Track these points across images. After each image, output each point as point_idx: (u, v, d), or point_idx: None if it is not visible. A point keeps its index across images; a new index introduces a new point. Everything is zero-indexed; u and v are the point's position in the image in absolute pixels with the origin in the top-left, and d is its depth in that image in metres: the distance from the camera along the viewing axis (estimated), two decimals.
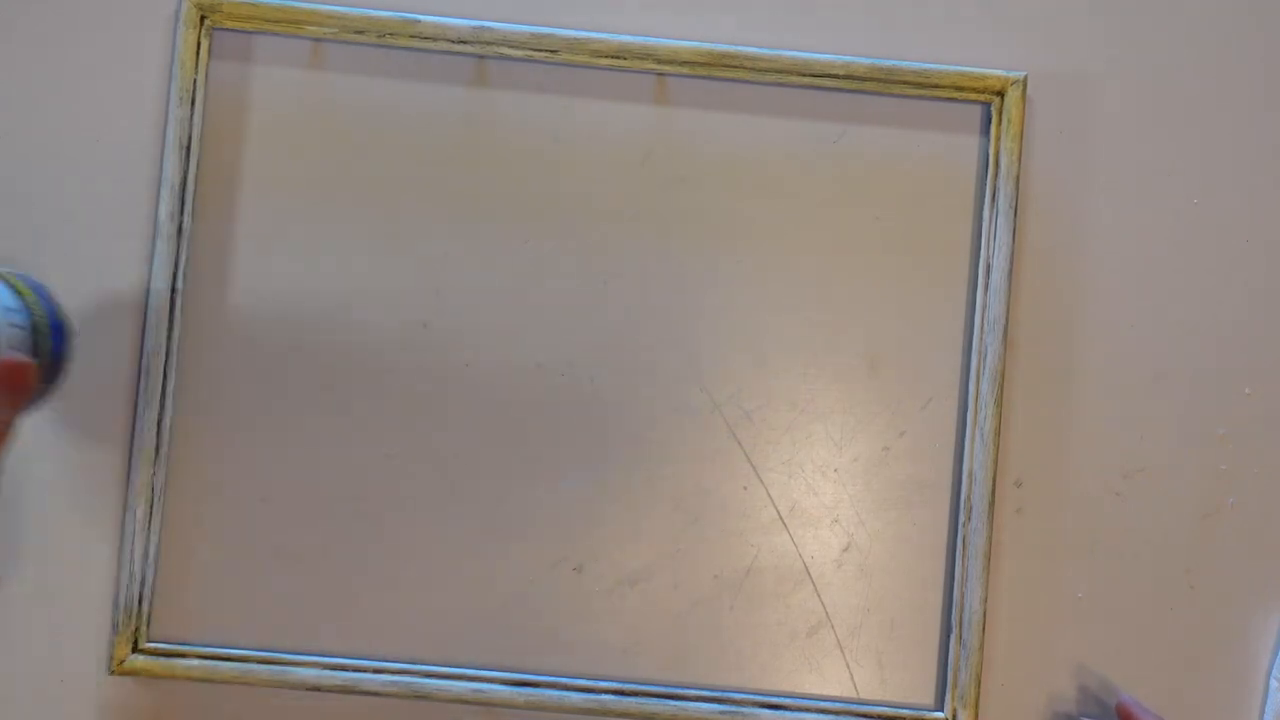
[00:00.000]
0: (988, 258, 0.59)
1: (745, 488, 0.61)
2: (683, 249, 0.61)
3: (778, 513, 0.61)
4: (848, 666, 0.60)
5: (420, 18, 0.59)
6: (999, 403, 0.58)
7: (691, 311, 0.61)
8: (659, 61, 0.59)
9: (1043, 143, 0.61)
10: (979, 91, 0.59)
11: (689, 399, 0.61)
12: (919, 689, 0.60)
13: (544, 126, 0.61)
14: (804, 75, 0.59)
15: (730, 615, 0.60)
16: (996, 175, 0.58)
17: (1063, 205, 0.61)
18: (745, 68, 0.59)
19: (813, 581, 0.61)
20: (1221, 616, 0.60)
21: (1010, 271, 0.58)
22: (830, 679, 0.60)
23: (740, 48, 0.59)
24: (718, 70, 0.59)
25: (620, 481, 0.61)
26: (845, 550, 0.61)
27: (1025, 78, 0.59)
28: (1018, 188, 0.58)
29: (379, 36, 0.60)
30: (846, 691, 0.60)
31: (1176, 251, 0.62)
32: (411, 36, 0.60)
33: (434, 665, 0.59)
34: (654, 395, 0.61)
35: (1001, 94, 0.59)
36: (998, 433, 0.58)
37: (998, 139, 0.58)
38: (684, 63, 0.59)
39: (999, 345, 0.58)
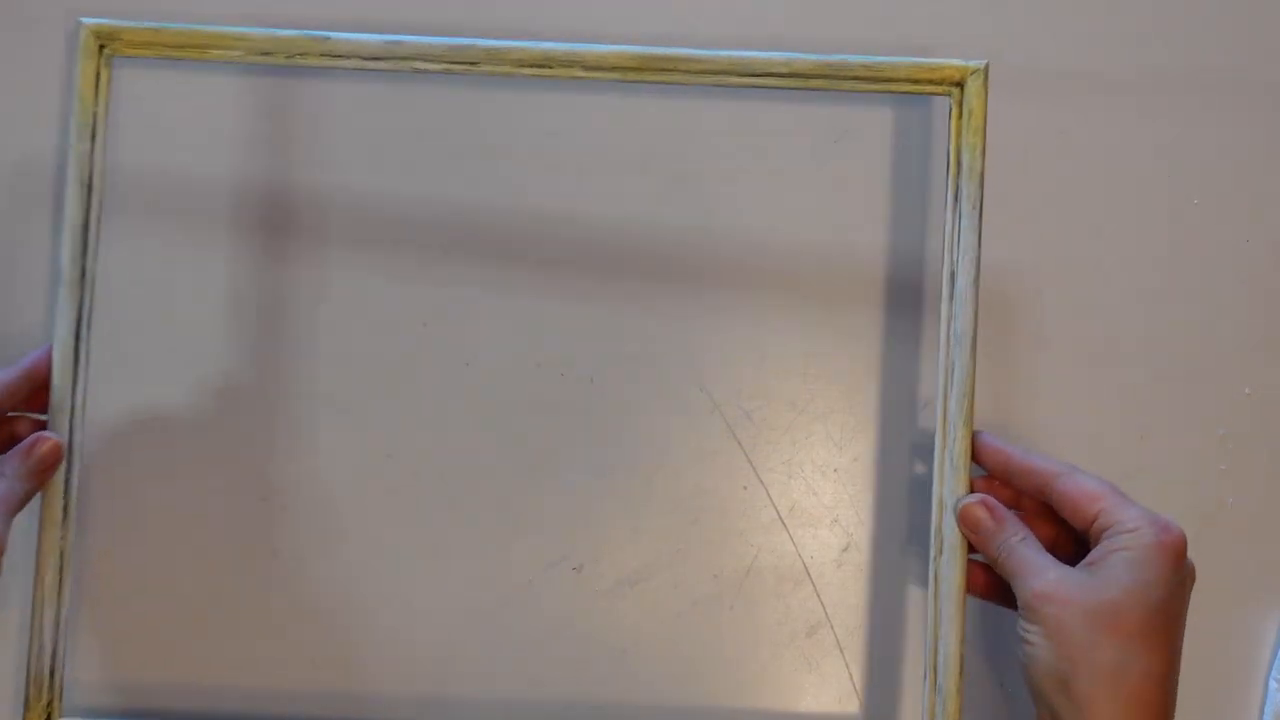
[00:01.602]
0: (951, 264, 0.53)
1: (745, 488, 0.61)
2: (683, 248, 0.61)
3: (777, 513, 0.61)
4: (847, 667, 0.60)
5: (330, 35, 0.55)
6: (969, 423, 0.53)
7: (691, 311, 0.61)
8: (586, 68, 0.55)
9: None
10: (936, 83, 0.54)
11: (689, 399, 0.61)
12: (919, 688, 0.57)
13: (540, 124, 0.62)
14: (743, 74, 0.54)
15: (730, 615, 0.60)
16: (959, 174, 0.53)
17: (1050, 201, 0.61)
18: (679, 70, 0.54)
19: (812, 582, 0.61)
20: (1221, 617, 0.60)
21: (976, 278, 0.53)
22: (829, 679, 0.60)
23: (672, 50, 0.55)
24: (649, 75, 0.55)
25: (620, 481, 0.61)
26: (845, 550, 0.61)
27: (986, 67, 0.53)
28: (982, 187, 0.53)
29: (288, 57, 0.56)
30: (846, 691, 0.60)
31: (1176, 251, 0.62)
32: (322, 55, 0.56)
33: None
34: (654, 395, 0.61)
35: (961, 85, 0.53)
36: (969, 456, 0.53)
37: (959, 134, 0.53)
38: (613, 68, 0.55)
39: (968, 360, 0.53)
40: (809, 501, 0.61)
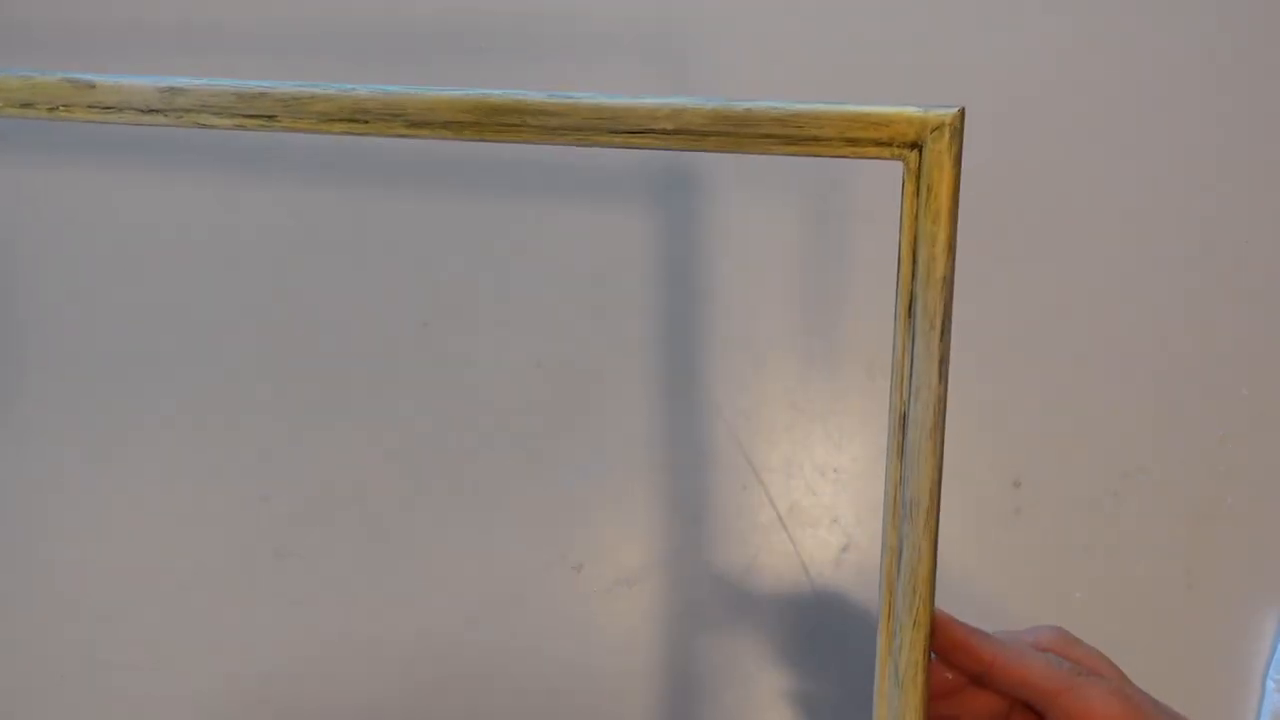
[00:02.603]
0: (902, 404, 0.37)
1: (744, 488, 0.61)
2: (682, 248, 0.61)
3: (776, 513, 0.61)
4: (846, 667, 0.60)
5: (97, 79, 0.42)
6: (924, 631, 0.37)
7: (691, 311, 0.62)
8: (410, 124, 0.40)
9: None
10: (880, 144, 0.37)
11: (689, 399, 0.61)
12: None
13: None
14: (613, 131, 0.39)
15: (728, 615, 0.60)
16: (913, 276, 0.37)
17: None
18: (529, 126, 0.39)
19: (811, 581, 0.60)
20: (1219, 617, 0.61)
21: (938, 427, 0.37)
22: (829, 679, 0.60)
23: (520, 96, 0.39)
24: (490, 131, 0.40)
25: (620, 481, 0.61)
26: (844, 550, 0.61)
27: (958, 116, 0.36)
28: (949, 297, 0.37)
29: (49, 110, 0.43)
30: (845, 691, 0.60)
31: (1176, 251, 0.62)
32: (89, 107, 0.43)
33: None
34: (654, 395, 0.61)
35: (918, 146, 0.36)
36: (925, 667, 0.38)
37: (913, 218, 0.37)
38: (443, 124, 0.40)
39: (922, 541, 0.37)
40: (808, 501, 0.61)
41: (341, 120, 0.41)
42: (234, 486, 0.61)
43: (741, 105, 0.37)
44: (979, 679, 0.42)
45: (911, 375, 0.37)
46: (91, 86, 0.42)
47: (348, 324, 0.61)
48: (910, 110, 0.36)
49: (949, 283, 0.36)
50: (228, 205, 0.62)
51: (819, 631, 0.60)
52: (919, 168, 0.36)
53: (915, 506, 0.37)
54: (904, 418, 0.37)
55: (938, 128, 0.36)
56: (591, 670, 0.60)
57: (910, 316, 0.37)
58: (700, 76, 0.63)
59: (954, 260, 0.36)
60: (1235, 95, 0.62)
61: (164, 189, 0.62)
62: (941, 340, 0.36)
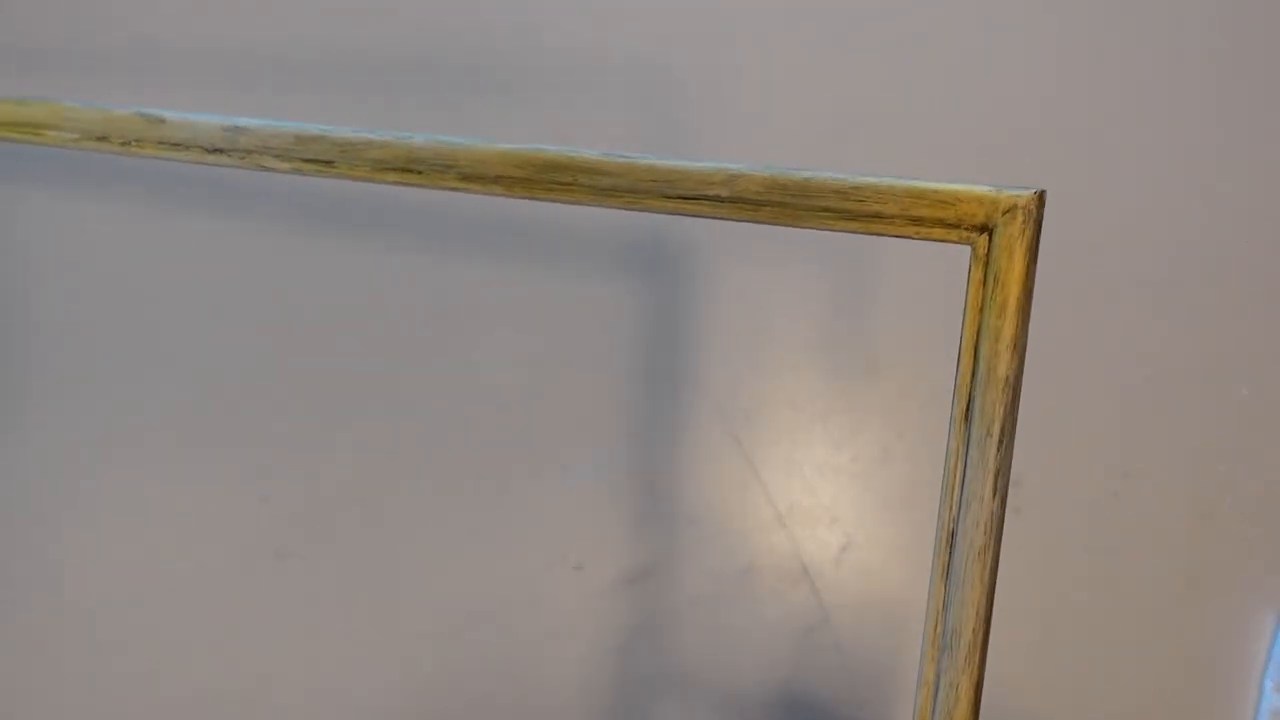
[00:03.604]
0: (951, 520, 0.33)
1: (744, 487, 0.61)
2: (682, 248, 0.61)
3: (776, 512, 0.60)
4: (846, 666, 0.60)
5: (168, 115, 0.42)
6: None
7: (691, 311, 0.61)
8: (462, 178, 0.39)
9: None
10: (948, 226, 0.33)
11: (689, 399, 0.61)
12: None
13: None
14: (666, 196, 0.36)
15: (729, 615, 0.60)
16: (973, 376, 0.33)
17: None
18: (580, 185, 0.37)
19: (811, 581, 0.60)
20: (1219, 618, 0.60)
21: (990, 548, 0.32)
22: (828, 679, 0.60)
23: (573, 152, 0.37)
24: (541, 189, 0.38)
25: (620, 480, 0.61)
26: (844, 550, 0.60)
27: (1037, 198, 0.33)
28: (1015, 403, 0.33)
29: (122, 144, 0.43)
30: (844, 691, 0.59)
31: (1174, 253, 0.61)
32: (159, 144, 0.43)
33: None
34: (654, 395, 0.61)
35: (988, 230, 0.33)
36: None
37: (978, 309, 0.33)
38: (494, 178, 0.38)
39: (962, 677, 0.32)
40: (808, 501, 0.60)
41: (395, 170, 0.39)
42: (234, 487, 0.61)
43: (800, 174, 0.34)
44: None
45: (963, 486, 0.32)
46: (162, 122, 0.42)
47: (349, 323, 0.61)
48: (981, 189, 0.32)
49: (1013, 385, 0.32)
50: (228, 202, 0.62)
51: (819, 631, 0.60)
52: (987, 254, 0.32)
53: (957, 638, 0.33)
54: (952, 535, 0.33)
55: (1010, 210, 0.32)
56: (591, 670, 0.60)
57: (967, 420, 0.32)
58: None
59: (1022, 360, 0.32)
60: (1233, 95, 0.61)
61: (164, 187, 0.62)
62: (999, 451, 0.32)
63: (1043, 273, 0.54)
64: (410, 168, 0.39)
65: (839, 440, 0.61)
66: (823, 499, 0.60)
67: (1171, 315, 0.61)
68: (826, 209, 0.34)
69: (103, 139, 0.43)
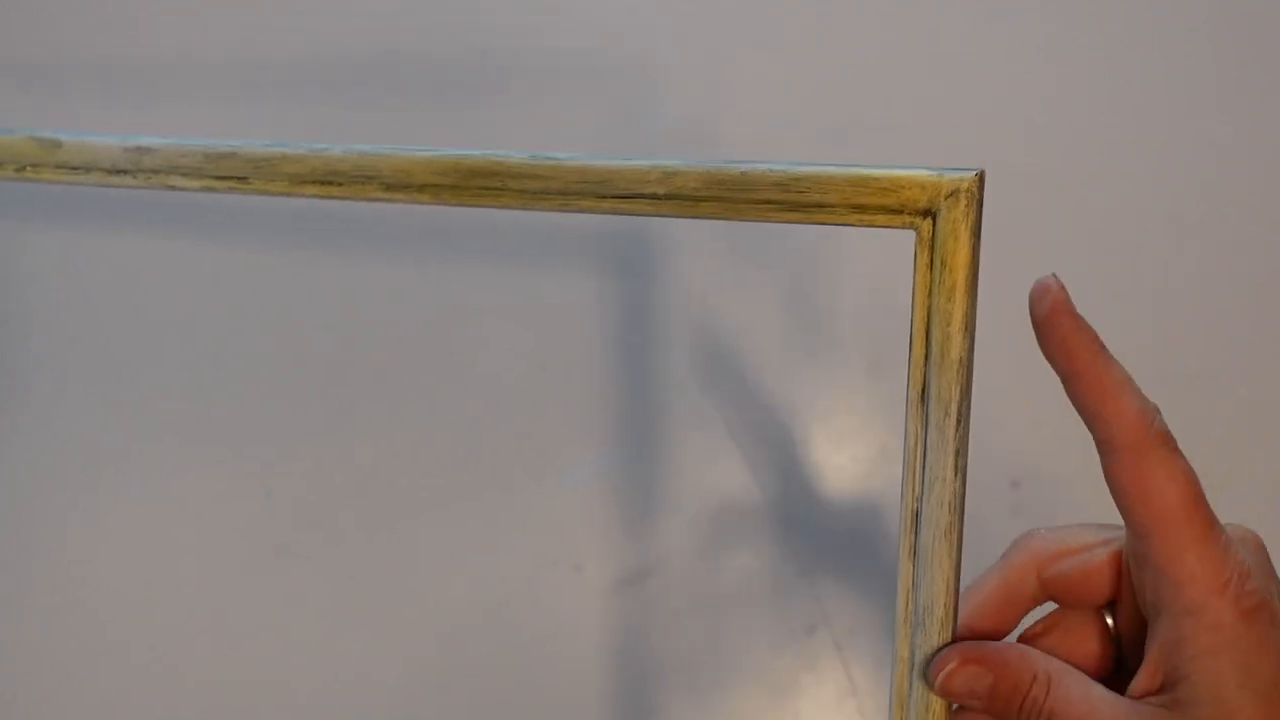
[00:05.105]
0: (914, 499, 0.34)
1: (744, 487, 0.61)
2: (682, 248, 0.61)
3: (776, 512, 0.60)
4: (845, 666, 0.59)
5: (65, 137, 0.40)
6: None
7: (692, 309, 0.61)
8: (386, 187, 0.37)
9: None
10: (890, 212, 0.33)
11: (689, 399, 0.61)
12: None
13: None
14: (601, 195, 0.35)
15: (728, 614, 0.60)
16: (926, 359, 0.33)
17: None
18: (510, 189, 0.36)
19: (811, 581, 0.60)
20: None
21: (953, 528, 0.33)
22: (827, 679, 0.59)
23: (501, 156, 0.36)
24: (469, 196, 0.37)
25: (620, 481, 0.61)
26: (844, 550, 0.60)
27: (978, 179, 0.33)
28: (968, 384, 0.33)
29: (17, 170, 0.41)
30: (844, 691, 0.59)
31: (1174, 255, 0.61)
32: (56, 168, 0.41)
33: None
34: (654, 395, 0.61)
35: (931, 214, 0.33)
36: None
37: (926, 293, 0.33)
38: (419, 187, 0.37)
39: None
40: (808, 501, 0.60)
41: (314, 183, 0.38)
42: (235, 485, 0.61)
43: (738, 167, 0.34)
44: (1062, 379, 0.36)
45: (924, 468, 0.33)
46: (59, 145, 0.40)
47: (349, 323, 0.61)
48: (923, 173, 0.32)
49: (966, 365, 0.33)
50: (229, 207, 0.62)
51: (818, 631, 0.59)
52: (932, 238, 0.32)
53: (928, 615, 0.33)
54: (916, 515, 0.33)
55: (952, 193, 0.32)
56: (592, 670, 0.59)
57: (923, 402, 0.33)
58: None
59: (972, 340, 0.33)
60: (1232, 95, 0.62)
61: (165, 193, 0.61)
62: (958, 430, 0.33)
63: (1042, 270, 0.55)
64: (330, 180, 0.38)
65: (839, 440, 0.61)
66: (822, 499, 0.61)
67: (1171, 316, 0.61)
68: (767, 201, 0.34)
69: None
